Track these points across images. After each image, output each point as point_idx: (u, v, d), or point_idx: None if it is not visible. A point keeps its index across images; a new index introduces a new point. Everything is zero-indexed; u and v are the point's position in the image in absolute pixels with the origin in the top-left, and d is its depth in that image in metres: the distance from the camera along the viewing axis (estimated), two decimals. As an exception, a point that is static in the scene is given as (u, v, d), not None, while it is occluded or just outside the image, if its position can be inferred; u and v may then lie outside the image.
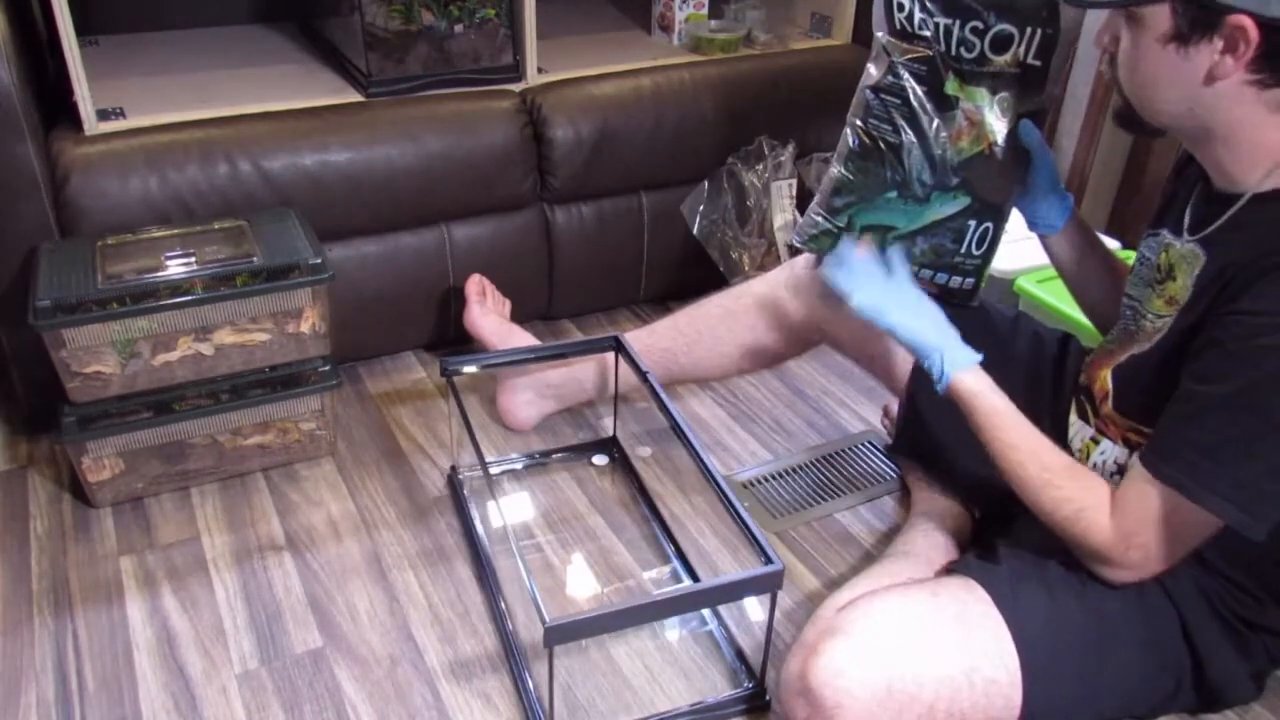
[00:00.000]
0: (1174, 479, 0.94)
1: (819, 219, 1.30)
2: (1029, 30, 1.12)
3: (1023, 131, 1.18)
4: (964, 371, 1.10)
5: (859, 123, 1.23)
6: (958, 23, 1.13)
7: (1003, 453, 1.07)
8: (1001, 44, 1.13)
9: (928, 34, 1.14)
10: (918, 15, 1.14)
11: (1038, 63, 1.13)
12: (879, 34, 1.19)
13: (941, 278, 1.26)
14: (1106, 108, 2.12)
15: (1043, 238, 1.27)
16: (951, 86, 1.16)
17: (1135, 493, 0.98)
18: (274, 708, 1.18)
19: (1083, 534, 1.01)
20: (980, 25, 1.12)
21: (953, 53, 1.15)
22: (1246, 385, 0.89)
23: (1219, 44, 0.89)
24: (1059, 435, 1.20)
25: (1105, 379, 1.11)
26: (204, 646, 1.25)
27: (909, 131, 1.19)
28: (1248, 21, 0.86)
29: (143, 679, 1.21)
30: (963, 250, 1.24)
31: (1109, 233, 2.06)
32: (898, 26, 1.17)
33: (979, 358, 1.11)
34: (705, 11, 2.05)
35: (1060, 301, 1.63)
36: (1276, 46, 0.87)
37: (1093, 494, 1.01)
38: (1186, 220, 1.03)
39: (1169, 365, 0.99)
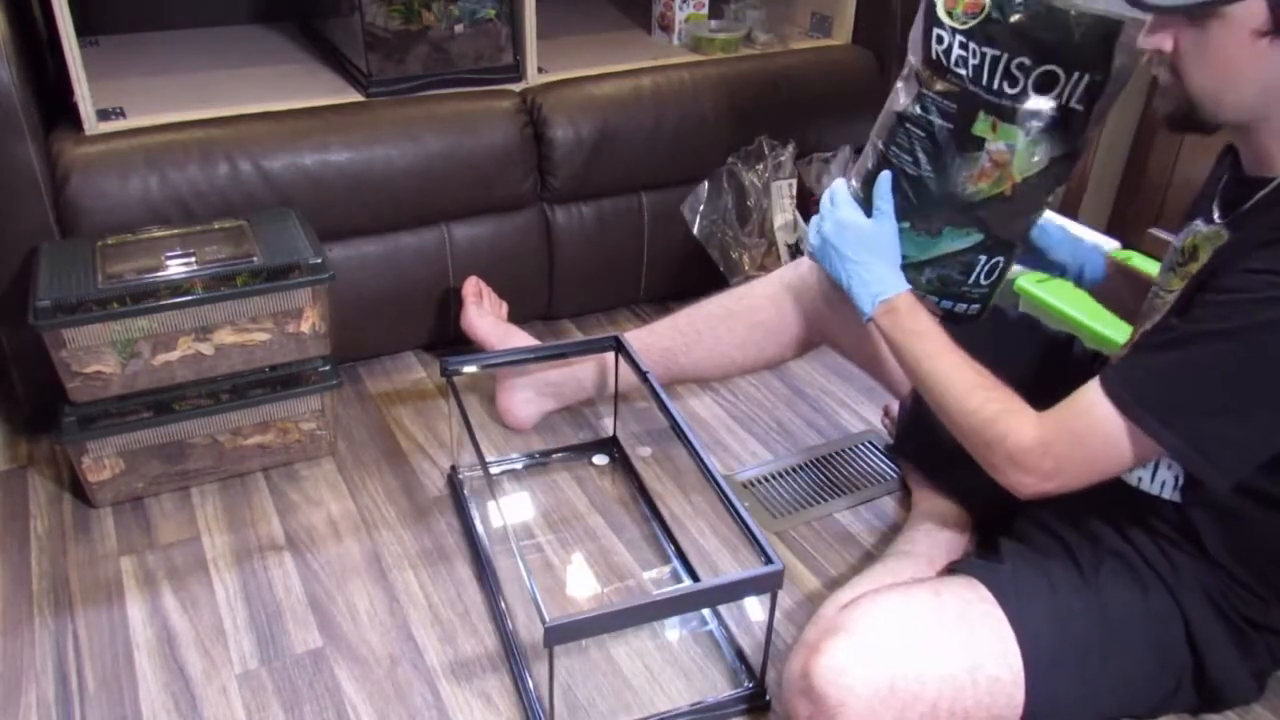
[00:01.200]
0: (1121, 398, 0.94)
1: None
2: (1076, 74, 1.05)
3: (1036, 237, 1.22)
4: (885, 303, 1.13)
5: (880, 145, 1.18)
6: (1005, 56, 1.06)
7: (926, 360, 1.09)
8: (1045, 84, 1.06)
9: (963, 72, 1.08)
10: (956, 51, 1.08)
11: (1079, 107, 1.07)
12: (913, 58, 1.13)
13: (946, 304, 1.23)
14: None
15: (1094, 294, 1.30)
16: (981, 128, 1.09)
17: (1076, 404, 0.98)
18: (274, 708, 1.17)
19: (1001, 434, 1.01)
20: (1027, 62, 1.05)
21: (994, 86, 1.07)
22: (1227, 329, 0.89)
23: None
24: None
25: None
26: (204, 646, 1.25)
27: (929, 166, 1.13)
28: None
29: (143, 679, 1.21)
30: (970, 281, 1.21)
31: (1109, 232, 2.07)
32: (933, 57, 1.10)
33: (902, 289, 1.14)
34: (705, 11, 2.05)
35: (1061, 302, 1.63)
36: None
37: (1016, 400, 1.02)
38: (1218, 205, 1.02)
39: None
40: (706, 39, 1.98)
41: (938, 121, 1.11)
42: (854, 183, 1.23)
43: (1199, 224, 1.04)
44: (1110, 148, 2.18)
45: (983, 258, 1.19)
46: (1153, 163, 2.14)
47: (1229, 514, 1.04)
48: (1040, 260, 1.29)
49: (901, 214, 1.18)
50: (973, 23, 1.06)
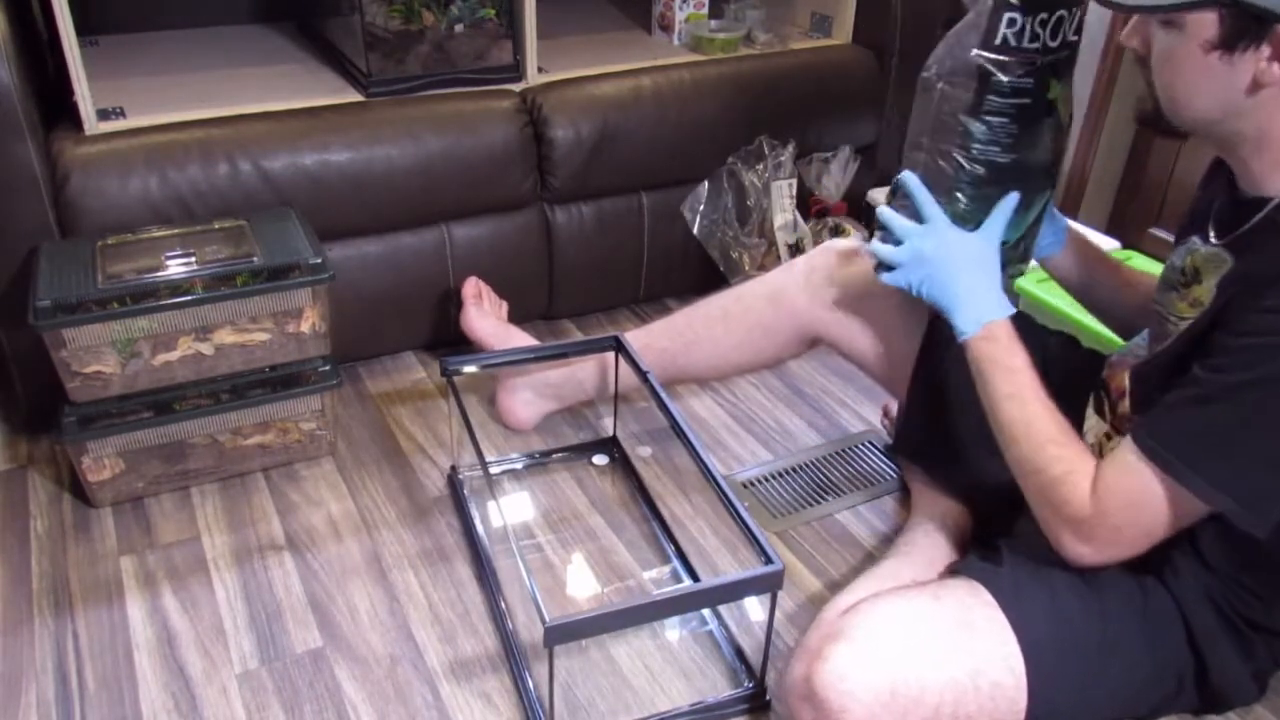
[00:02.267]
0: (1164, 460, 0.93)
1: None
2: (1076, 10, 1.09)
3: None
4: (987, 328, 1.09)
5: (962, 153, 1.15)
6: (1032, 18, 1.08)
7: (1009, 403, 1.06)
8: (1058, 28, 1.09)
9: (1036, 45, 1.09)
10: (1030, 28, 1.08)
11: (1077, 37, 1.11)
12: (975, 53, 1.10)
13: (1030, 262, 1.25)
14: (1107, 108, 2.12)
15: (1044, 263, 1.28)
16: (1054, 90, 1.12)
17: (1121, 468, 0.96)
18: (274, 708, 1.17)
19: (1064, 499, 1.00)
20: (1046, 15, 1.08)
21: (1054, 47, 1.10)
22: (1257, 379, 0.89)
23: (1266, 51, 0.87)
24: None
25: (1123, 379, 1.11)
26: (204, 646, 1.25)
27: (1020, 148, 1.13)
28: None
29: (143, 679, 1.21)
30: (1039, 231, 1.23)
31: (1109, 233, 2.07)
32: (1001, 42, 1.09)
33: (1008, 311, 1.10)
34: (705, 11, 2.05)
35: (1061, 302, 1.63)
36: None
37: (1085, 461, 1.00)
38: (1212, 225, 1.02)
39: (1183, 362, 0.98)
40: (706, 39, 1.98)
41: (1018, 101, 1.11)
42: (935, 199, 1.19)
43: (1196, 242, 1.04)
44: (1110, 148, 2.18)
45: (1048, 204, 1.22)
46: (1153, 163, 2.14)
47: (1230, 525, 1.04)
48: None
49: (992, 202, 1.16)
50: None
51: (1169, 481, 0.93)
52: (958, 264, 1.12)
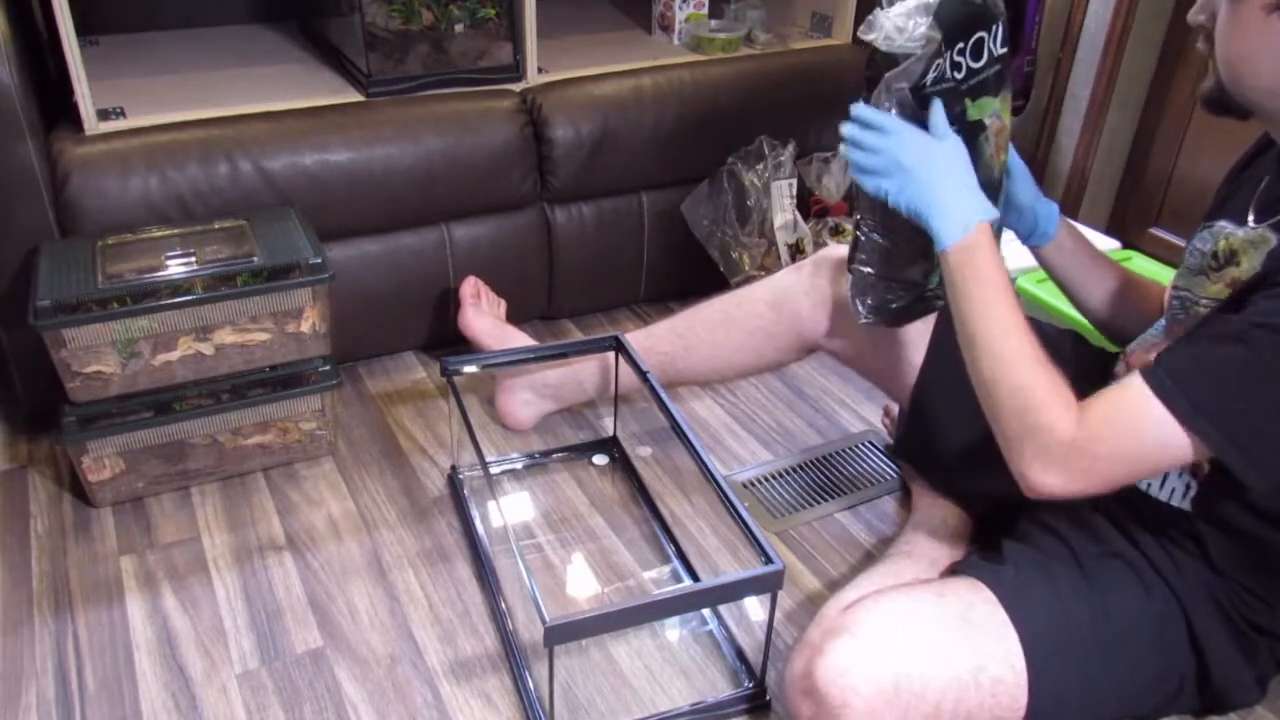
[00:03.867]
0: (1171, 396, 0.89)
1: (892, 290, 1.21)
2: (994, 27, 1.10)
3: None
4: (966, 237, 1.04)
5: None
6: (950, 50, 1.08)
7: (989, 318, 1.01)
8: (979, 50, 1.10)
9: (959, 75, 1.10)
10: (948, 63, 1.09)
11: (1004, 50, 1.12)
12: (898, 91, 1.11)
13: None
14: (1106, 108, 2.12)
15: (1036, 251, 1.27)
16: (972, 112, 1.12)
17: (1121, 399, 0.93)
18: (274, 707, 1.17)
19: (1046, 423, 0.95)
20: (963, 45, 1.09)
21: (959, 76, 1.10)
22: (1267, 344, 0.86)
23: None
24: None
25: (1147, 361, 1.10)
26: (204, 646, 1.25)
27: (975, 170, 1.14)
28: None
29: (143, 679, 1.21)
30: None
31: (1109, 232, 2.07)
32: (922, 85, 1.10)
33: (992, 214, 1.05)
34: (705, 11, 2.05)
35: (1061, 302, 1.63)
36: None
37: (1066, 389, 0.96)
38: (1253, 209, 1.01)
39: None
40: (706, 39, 1.98)
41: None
42: (878, 240, 1.18)
43: (1227, 226, 1.03)
44: (1110, 148, 2.18)
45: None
46: (1153, 163, 2.15)
47: (1238, 530, 1.03)
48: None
49: None
50: (921, 42, 1.06)
51: (1168, 419, 0.90)
52: (938, 169, 1.06)
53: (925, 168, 1.05)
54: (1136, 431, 0.92)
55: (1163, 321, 1.13)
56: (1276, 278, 0.90)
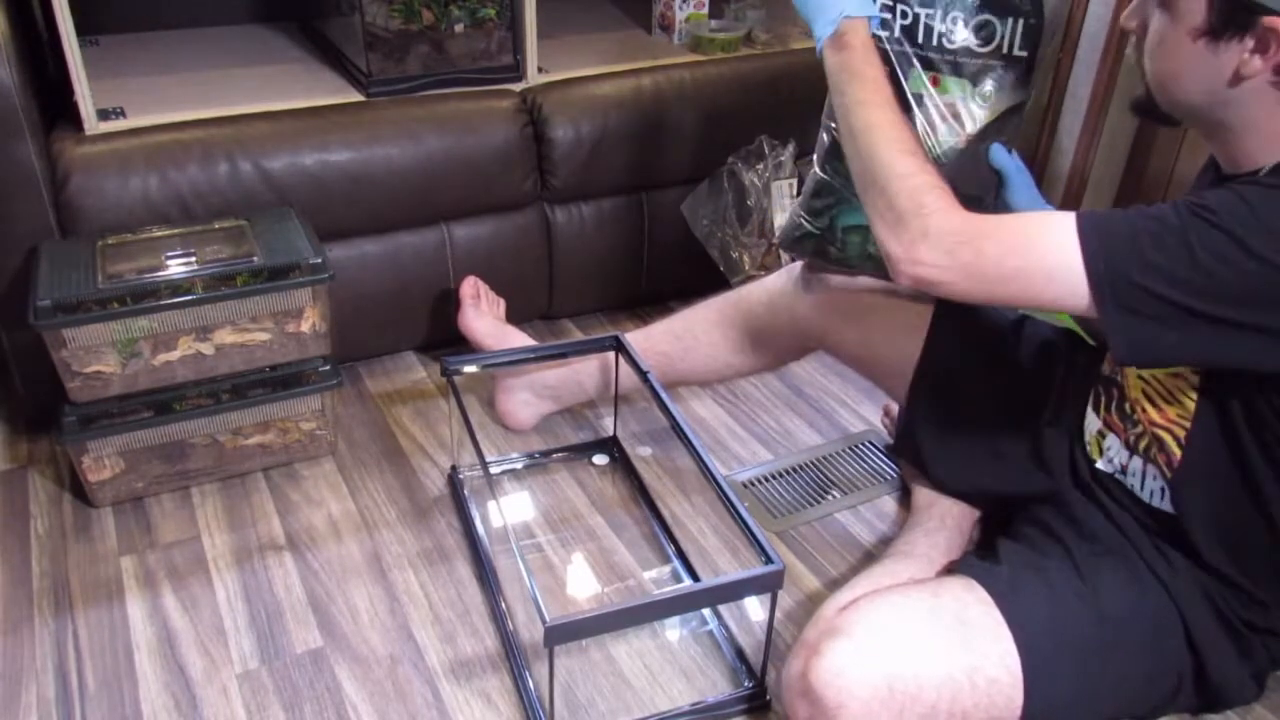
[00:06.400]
0: (1086, 235, 0.89)
1: (801, 221, 1.30)
2: (1011, 20, 1.09)
3: (993, 155, 1.16)
4: (842, 26, 1.03)
5: (833, 124, 1.21)
6: (938, 13, 1.10)
7: (865, 109, 1.01)
8: (984, 34, 1.10)
9: (884, 34, 1.11)
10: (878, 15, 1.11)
11: (1023, 53, 1.11)
12: None
13: None
14: (1106, 108, 2.12)
15: None
16: (916, 84, 1.13)
17: (1039, 219, 0.93)
18: (274, 707, 1.18)
19: (929, 207, 0.94)
20: (961, 15, 1.10)
21: (933, 43, 1.11)
22: (1191, 218, 0.87)
23: (1249, 43, 0.88)
24: (1074, 433, 1.20)
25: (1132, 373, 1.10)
26: (204, 646, 1.25)
27: None
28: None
29: (143, 679, 1.21)
30: None
31: (1109, 233, 2.06)
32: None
33: (867, 10, 1.04)
34: (706, 11, 2.05)
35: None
36: None
37: (950, 191, 0.96)
38: None
39: None
40: (706, 39, 1.98)
41: None
42: (817, 170, 1.25)
43: None
44: (1110, 148, 2.18)
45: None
46: (1153, 163, 2.14)
47: (1221, 526, 1.04)
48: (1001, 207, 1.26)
49: None
50: None
51: (1071, 244, 0.89)
52: None
53: None
54: (1032, 241, 0.91)
55: None
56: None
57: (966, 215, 0.94)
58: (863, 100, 1.02)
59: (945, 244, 0.93)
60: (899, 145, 0.99)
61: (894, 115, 1.01)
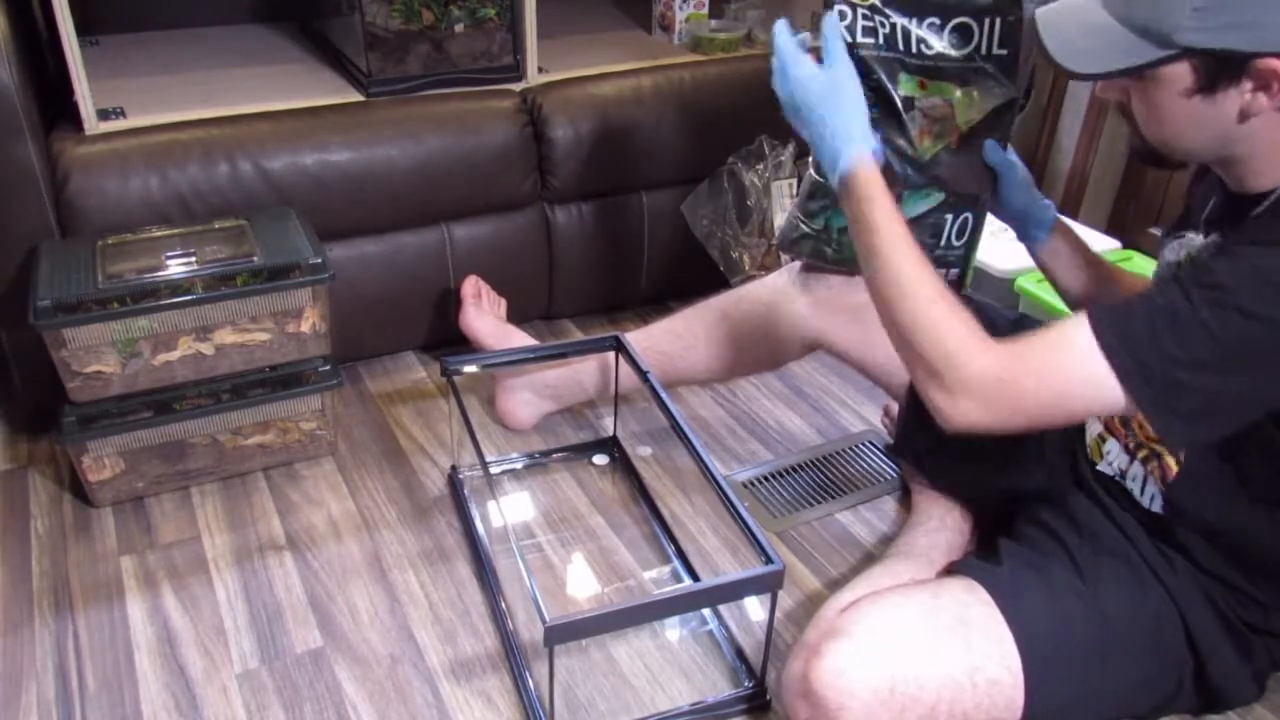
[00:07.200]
0: (1109, 341, 0.88)
1: (798, 222, 1.30)
2: (988, 20, 1.09)
3: (988, 153, 1.17)
4: (858, 163, 1.02)
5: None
6: (915, 20, 1.10)
7: (890, 251, 0.99)
8: (961, 37, 1.10)
9: (871, 40, 1.11)
10: (861, 24, 1.11)
11: (1004, 51, 1.11)
12: None
13: None
14: (1106, 108, 2.12)
15: (1031, 249, 1.27)
16: (906, 87, 1.13)
17: (1056, 339, 0.91)
18: (274, 707, 1.18)
19: (968, 353, 0.93)
20: (938, 21, 1.10)
21: (913, 50, 1.12)
22: (1203, 300, 0.86)
23: (1249, 85, 0.86)
24: (1072, 433, 1.20)
25: None
26: (204, 646, 1.25)
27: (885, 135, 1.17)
28: (1277, 62, 0.84)
29: (143, 679, 1.21)
30: (943, 243, 1.23)
31: (1109, 233, 2.07)
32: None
33: (867, 146, 1.03)
34: (706, 11, 2.05)
35: (1061, 302, 1.63)
36: None
37: (979, 326, 0.95)
38: (1203, 224, 1.02)
39: None
40: (706, 39, 1.98)
41: (865, 91, 1.11)
42: (812, 172, 1.25)
43: (1191, 236, 1.04)
44: (1110, 148, 2.18)
45: (949, 216, 1.21)
46: (1153, 163, 2.14)
47: (1215, 532, 1.04)
48: (998, 204, 1.25)
49: None
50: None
51: (1102, 376, 0.88)
52: (818, 99, 1.05)
53: (809, 96, 1.06)
54: (1066, 372, 0.90)
55: None
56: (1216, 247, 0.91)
57: (994, 356, 0.92)
58: (876, 249, 1.00)
59: (983, 395, 0.92)
60: (916, 296, 0.97)
61: (910, 260, 0.98)
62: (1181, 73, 0.88)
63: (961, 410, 0.93)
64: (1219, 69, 0.87)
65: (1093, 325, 0.89)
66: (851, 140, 1.03)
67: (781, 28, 1.10)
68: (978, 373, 0.92)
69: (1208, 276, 0.87)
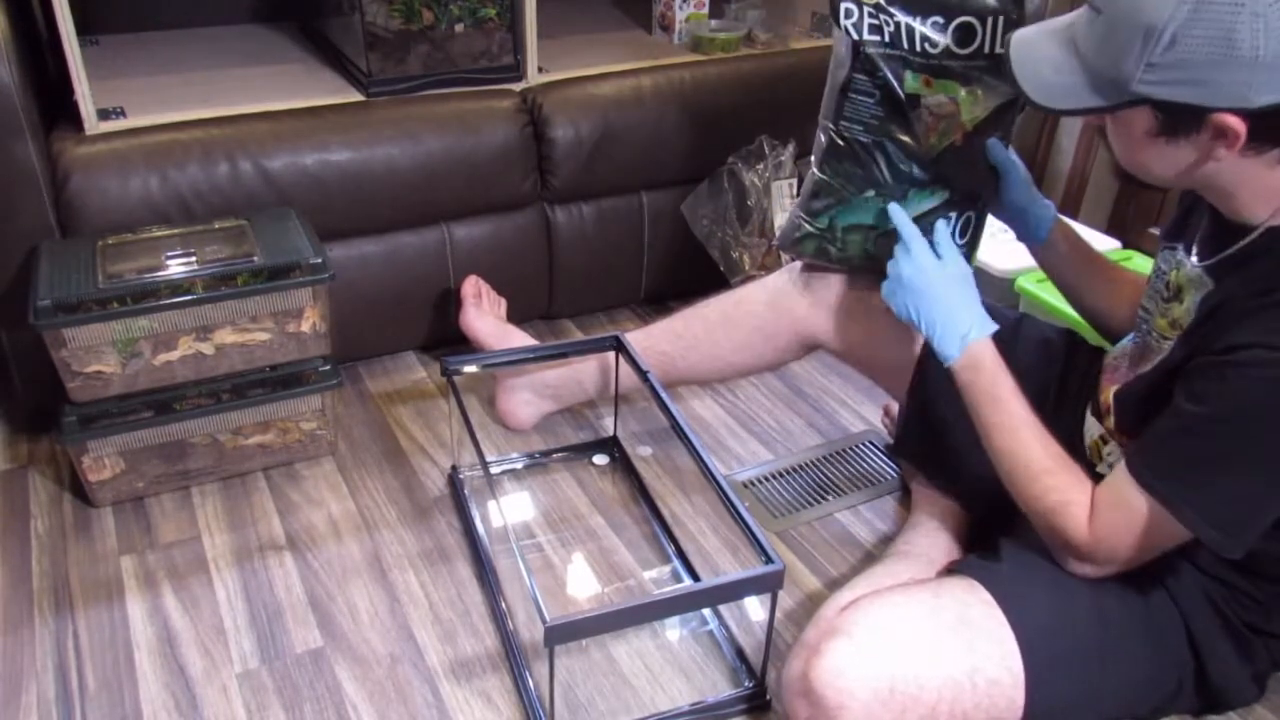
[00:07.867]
0: (1155, 489, 0.95)
1: (801, 221, 1.30)
2: (992, 19, 1.10)
3: (991, 151, 1.18)
4: (968, 349, 1.11)
5: (830, 125, 1.24)
6: (919, 19, 1.12)
7: (999, 433, 1.08)
8: (966, 36, 1.12)
9: (877, 38, 1.14)
10: (867, 21, 1.14)
11: (1004, 51, 1.12)
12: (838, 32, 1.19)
13: None
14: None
15: (1032, 249, 1.27)
16: (912, 86, 1.15)
17: (1116, 496, 0.99)
18: (274, 707, 1.18)
19: (1062, 526, 1.02)
20: (941, 20, 1.11)
21: (917, 49, 1.13)
22: (1232, 411, 0.91)
23: (1207, 135, 0.88)
24: (1073, 432, 1.20)
25: (1109, 396, 1.11)
26: (204, 646, 1.25)
27: (880, 132, 1.19)
28: (1231, 118, 0.85)
29: (143, 678, 1.21)
30: None
31: (1109, 233, 2.07)
32: (845, 32, 1.17)
33: (989, 330, 1.12)
34: (706, 11, 2.05)
35: (1061, 301, 1.63)
36: (1265, 128, 0.86)
37: (1079, 489, 1.02)
38: (1196, 246, 1.02)
39: (1163, 387, 0.99)
40: (706, 39, 1.98)
41: (871, 88, 1.16)
42: (816, 171, 1.27)
43: (1182, 256, 1.04)
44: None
45: (953, 214, 1.22)
46: (1153, 163, 2.14)
47: None
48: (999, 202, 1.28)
49: (864, 184, 1.22)
50: None
51: (1161, 510, 0.95)
52: (934, 288, 1.15)
53: (924, 286, 1.15)
54: (1140, 528, 0.97)
55: (1133, 334, 1.14)
56: (1207, 345, 0.93)
57: (1087, 530, 1.01)
58: (997, 424, 1.09)
59: (1093, 561, 1.02)
60: (1030, 468, 1.05)
61: (1026, 435, 1.07)
62: (1143, 116, 0.91)
63: (1082, 572, 1.04)
64: (1177, 118, 0.89)
65: (1131, 471, 0.97)
66: (973, 326, 1.13)
67: (894, 208, 1.21)
68: (1085, 551, 1.01)
69: (1210, 408, 0.92)
